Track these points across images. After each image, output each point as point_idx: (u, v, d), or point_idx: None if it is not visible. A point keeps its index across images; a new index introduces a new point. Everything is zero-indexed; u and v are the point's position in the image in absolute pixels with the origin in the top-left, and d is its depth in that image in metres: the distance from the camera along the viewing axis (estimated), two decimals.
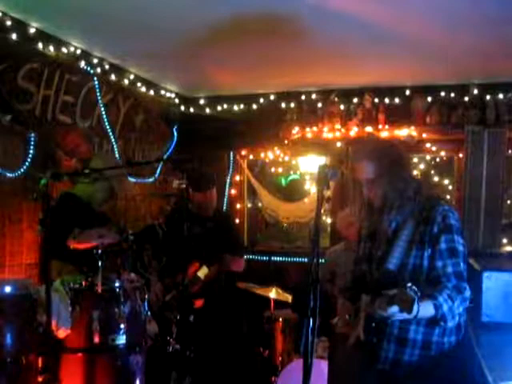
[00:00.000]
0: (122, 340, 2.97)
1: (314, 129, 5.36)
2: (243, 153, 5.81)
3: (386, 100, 5.22)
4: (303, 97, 5.44)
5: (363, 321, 2.31)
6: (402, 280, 2.20)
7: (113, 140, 4.58)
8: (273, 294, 4.22)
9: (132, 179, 4.89)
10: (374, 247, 2.46)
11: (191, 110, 5.75)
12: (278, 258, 5.62)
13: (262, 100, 5.54)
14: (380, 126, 5.19)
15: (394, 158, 2.42)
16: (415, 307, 1.99)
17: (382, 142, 2.68)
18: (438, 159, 5.60)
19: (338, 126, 5.29)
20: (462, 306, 2.22)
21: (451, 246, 2.29)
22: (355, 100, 5.27)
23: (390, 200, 2.37)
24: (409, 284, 2.01)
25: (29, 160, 3.61)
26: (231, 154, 5.79)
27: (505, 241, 5.06)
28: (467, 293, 2.24)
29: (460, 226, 2.35)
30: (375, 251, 2.44)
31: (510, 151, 5.07)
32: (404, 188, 2.37)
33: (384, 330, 2.33)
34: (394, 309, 2.02)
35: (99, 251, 3.01)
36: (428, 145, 5.24)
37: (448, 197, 5.52)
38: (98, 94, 4.30)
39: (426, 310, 2.12)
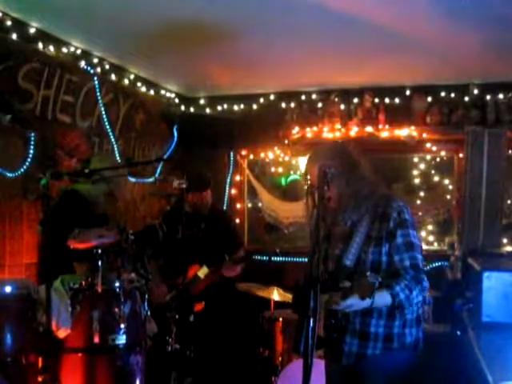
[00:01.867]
0: (122, 340, 2.97)
1: (314, 129, 5.36)
2: (243, 153, 5.81)
3: (386, 100, 5.22)
4: (303, 97, 5.43)
5: (322, 318, 2.34)
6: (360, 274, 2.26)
7: (113, 140, 4.57)
8: (274, 295, 4.22)
9: (132, 179, 4.89)
10: (331, 247, 2.49)
11: (191, 109, 5.75)
12: (278, 258, 5.61)
13: (262, 100, 5.53)
14: (380, 126, 5.19)
15: (347, 158, 2.48)
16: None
17: (335, 144, 2.74)
18: (438, 159, 5.60)
19: (338, 126, 5.29)
20: (420, 295, 2.31)
21: (407, 240, 2.36)
22: (355, 100, 5.27)
23: (346, 200, 2.43)
24: (368, 273, 2.08)
25: (29, 160, 3.61)
26: (231, 153, 5.79)
27: (505, 241, 5.06)
28: (425, 283, 2.33)
29: (414, 221, 2.45)
30: (332, 251, 2.48)
31: (510, 151, 5.08)
32: (359, 187, 2.43)
33: (346, 326, 2.39)
34: (353, 299, 2.10)
35: (99, 251, 3.01)
36: (428, 145, 5.25)
37: (448, 197, 5.53)
38: (98, 94, 4.30)
39: (382, 298, 2.21)
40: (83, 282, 3.00)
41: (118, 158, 4.56)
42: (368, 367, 2.38)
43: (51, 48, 3.77)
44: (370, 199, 2.44)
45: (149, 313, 3.21)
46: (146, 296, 3.20)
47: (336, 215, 2.47)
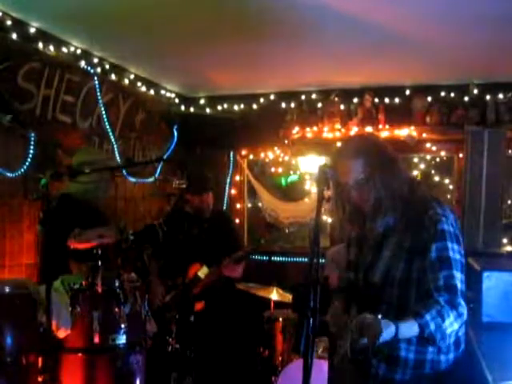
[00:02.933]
0: (122, 340, 2.96)
1: (314, 129, 5.36)
2: (243, 153, 5.81)
3: (386, 100, 5.22)
4: (303, 97, 5.44)
5: (350, 338, 2.14)
6: (389, 295, 2.11)
7: (113, 140, 4.57)
8: (273, 294, 4.23)
9: (132, 179, 4.89)
10: (362, 254, 2.31)
11: (191, 109, 5.75)
12: (278, 258, 5.62)
13: (262, 100, 5.54)
14: (380, 126, 5.19)
15: (384, 153, 2.19)
16: (384, 335, 1.85)
17: (369, 138, 2.38)
18: (438, 159, 5.60)
19: (338, 126, 5.29)
20: (456, 322, 2.01)
21: (443, 255, 2.07)
22: (355, 100, 5.27)
23: (382, 201, 2.14)
24: (379, 316, 1.88)
25: (29, 160, 3.61)
26: (231, 154, 5.79)
27: (505, 241, 5.07)
28: (462, 309, 2.03)
29: (455, 231, 2.13)
30: (362, 258, 2.29)
31: (510, 151, 5.08)
32: (398, 187, 2.15)
33: (372, 349, 2.14)
34: (365, 340, 1.90)
35: (99, 251, 3.01)
36: (428, 145, 5.25)
37: (448, 197, 5.53)
38: (98, 93, 4.30)
39: (408, 330, 1.95)
40: (83, 282, 3.00)
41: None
42: None
43: (51, 48, 3.77)
44: (408, 201, 2.16)
45: (149, 313, 3.20)
46: (146, 296, 3.20)
47: (371, 219, 2.21)
